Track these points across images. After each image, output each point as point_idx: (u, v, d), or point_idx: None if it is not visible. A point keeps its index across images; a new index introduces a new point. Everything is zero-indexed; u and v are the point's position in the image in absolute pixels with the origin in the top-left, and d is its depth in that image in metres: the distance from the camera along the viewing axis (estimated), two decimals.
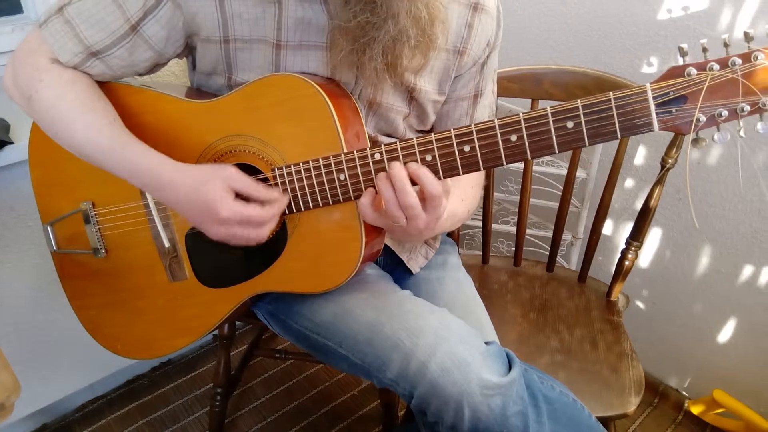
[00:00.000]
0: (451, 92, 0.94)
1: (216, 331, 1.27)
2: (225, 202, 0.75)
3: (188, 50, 0.88)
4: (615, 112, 0.66)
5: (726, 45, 0.62)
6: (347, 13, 0.74)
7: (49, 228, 0.97)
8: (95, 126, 0.80)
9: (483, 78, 0.95)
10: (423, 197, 0.73)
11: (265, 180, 0.83)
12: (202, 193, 0.76)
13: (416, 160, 0.74)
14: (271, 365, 1.69)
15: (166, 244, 0.90)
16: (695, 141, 0.65)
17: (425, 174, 0.72)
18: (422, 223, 0.74)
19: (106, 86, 0.87)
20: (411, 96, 0.89)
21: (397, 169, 0.72)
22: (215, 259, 0.89)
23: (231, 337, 1.34)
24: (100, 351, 0.99)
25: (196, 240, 0.89)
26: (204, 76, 0.89)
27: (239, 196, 0.77)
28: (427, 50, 0.79)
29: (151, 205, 0.89)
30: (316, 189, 0.79)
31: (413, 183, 0.72)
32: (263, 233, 0.79)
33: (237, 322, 1.60)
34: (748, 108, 0.62)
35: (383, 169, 0.75)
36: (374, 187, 0.76)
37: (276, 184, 0.81)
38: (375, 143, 0.91)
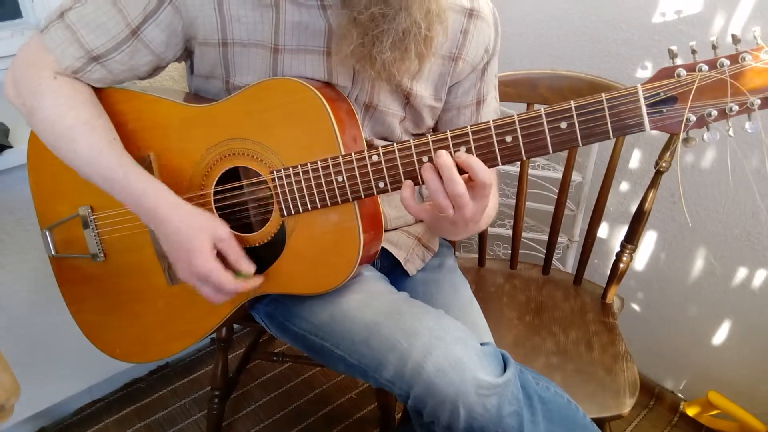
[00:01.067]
0: (453, 100, 0.95)
1: (214, 335, 1.28)
2: (205, 258, 0.79)
3: (187, 54, 0.89)
4: (607, 113, 0.67)
5: (714, 47, 0.63)
6: (359, 4, 0.74)
7: (47, 233, 0.97)
8: (97, 147, 0.82)
9: (484, 84, 0.96)
10: (470, 186, 0.72)
11: (263, 183, 0.84)
12: (188, 243, 0.79)
13: (413, 162, 0.75)
14: (268, 368, 1.70)
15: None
16: (685, 140, 0.66)
17: (476, 162, 0.71)
18: (469, 212, 0.73)
19: (105, 91, 0.88)
20: (407, 100, 0.90)
21: (445, 157, 0.71)
22: None
23: (229, 340, 1.34)
24: (98, 354, 1.00)
25: None
26: (202, 80, 0.90)
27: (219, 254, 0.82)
28: (428, 50, 0.79)
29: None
30: (314, 191, 0.80)
31: (460, 172, 0.72)
32: (222, 300, 0.84)
33: (235, 326, 1.60)
34: (736, 108, 0.63)
35: (381, 170, 0.76)
36: (401, 175, 0.76)
37: (275, 187, 0.82)
38: (371, 147, 0.92)
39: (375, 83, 0.83)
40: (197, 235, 0.79)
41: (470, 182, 0.72)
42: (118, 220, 0.92)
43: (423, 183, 0.74)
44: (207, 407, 1.40)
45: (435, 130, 1.01)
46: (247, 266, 0.83)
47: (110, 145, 0.82)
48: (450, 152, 0.72)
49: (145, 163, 0.87)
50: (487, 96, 0.97)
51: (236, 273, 0.82)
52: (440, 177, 0.72)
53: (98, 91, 0.87)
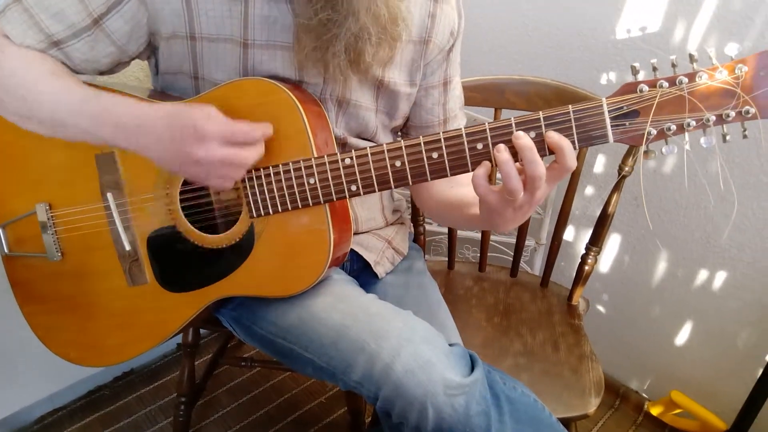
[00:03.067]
0: (421, 81, 0.96)
1: (180, 339, 1.26)
2: (208, 118, 0.73)
3: (150, 50, 0.88)
4: (573, 124, 0.69)
5: (674, 65, 0.67)
6: (309, 11, 0.76)
7: (0, 230, 0.94)
8: (64, 87, 0.78)
9: (449, 65, 0.98)
10: (549, 168, 0.70)
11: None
12: (184, 116, 0.73)
13: (386, 166, 0.75)
14: (236, 374, 1.68)
15: (127, 247, 0.89)
16: (646, 153, 0.70)
17: (567, 144, 0.69)
18: (540, 193, 0.71)
19: None
20: (379, 90, 0.91)
21: (525, 139, 0.69)
22: (178, 263, 0.89)
23: (195, 345, 1.33)
24: (60, 361, 0.97)
25: (159, 243, 0.89)
26: (170, 77, 0.89)
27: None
28: (392, 45, 0.81)
29: (112, 206, 0.87)
30: (285, 192, 0.80)
31: (517, 160, 0.70)
32: (248, 155, 0.75)
33: (202, 330, 1.58)
34: (693, 123, 0.67)
35: (353, 173, 0.76)
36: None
37: (244, 188, 0.81)
38: (344, 145, 0.92)
39: (342, 75, 0.83)
40: (193, 110, 0.74)
41: (552, 165, 0.70)
42: (78, 219, 0.90)
43: (496, 165, 0.71)
44: (173, 414, 1.37)
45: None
46: (247, 127, 0.75)
47: (78, 83, 0.79)
48: (525, 133, 0.70)
49: (109, 159, 0.85)
50: (453, 78, 0.99)
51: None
52: (514, 160, 0.70)
53: None
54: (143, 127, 0.76)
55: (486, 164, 0.72)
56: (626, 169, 1.13)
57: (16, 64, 0.78)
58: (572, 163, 0.70)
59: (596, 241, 1.21)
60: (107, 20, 0.80)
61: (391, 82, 0.91)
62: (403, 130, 1.03)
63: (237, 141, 0.74)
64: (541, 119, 0.69)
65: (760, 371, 1.28)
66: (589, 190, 1.53)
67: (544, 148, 0.70)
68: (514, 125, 0.70)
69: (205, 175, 0.76)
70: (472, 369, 0.78)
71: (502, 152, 0.70)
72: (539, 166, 0.69)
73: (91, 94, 0.78)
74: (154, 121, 0.75)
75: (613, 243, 1.52)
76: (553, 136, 0.69)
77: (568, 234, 1.61)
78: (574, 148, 0.70)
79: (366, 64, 0.81)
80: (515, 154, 0.70)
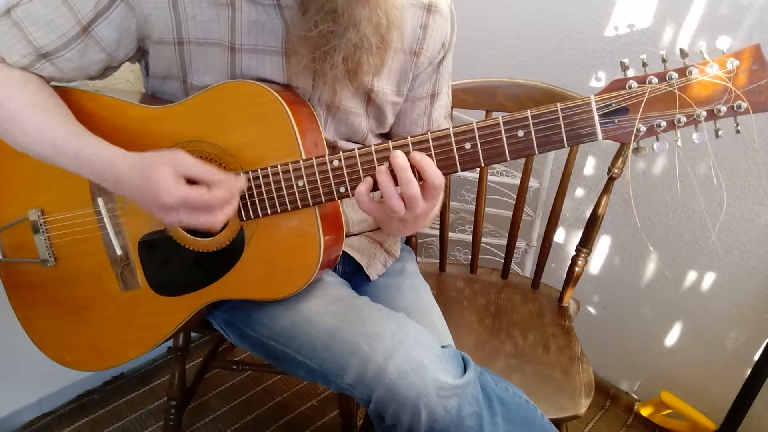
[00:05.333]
0: (408, 92, 0.97)
1: (170, 343, 1.25)
2: (167, 186, 0.72)
3: (141, 54, 0.88)
4: (562, 122, 0.69)
5: (664, 60, 0.66)
6: (308, 23, 0.75)
7: None
8: (49, 123, 0.79)
9: (439, 78, 0.98)
10: (422, 186, 0.73)
11: None
12: (148, 182, 0.74)
13: (374, 167, 0.75)
14: (228, 377, 1.67)
15: (118, 251, 0.88)
16: (636, 150, 0.69)
17: (429, 163, 0.72)
18: (420, 211, 0.74)
19: (58, 91, 0.85)
20: (369, 98, 0.91)
21: (401, 158, 0.72)
22: (170, 267, 0.88)
23: (186, 348, 1.32)
24: (49, 365, 0.96)
25: (150, 247, 0.88)
26: (158, 81, 0.88)
27: (191, 182, 0.75)
28: (385, 54, 0.81)
29: (103, 212, 0.87)
30: (275, 195, 0.79)
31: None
32: (216, 220, 0.76)
33: (193, 334, 1.57)
34: (684, 119, 0.66)
35: (342, 175, 0.76)
36: (361, 180, 0.77)
37: None
38: (334, 148, 0.92)
39: (336, 84, 0.83)
40: (155, 169, 0.73)
41: (422, 182, 0.73)
42: (69, 224, 0.90)
43: (377, 185, 0.75)
44: (164, 418, 1.36)
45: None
46: (216, 176, 0.76)
47: (63, 120, 0.80)
48: (403, 153, 0.73)
49: None
50: (441, 90, 0.99)
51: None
52: (394, 180, 0.73)
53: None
54: (120, 183, 0.78)
55: (367, 180, 0.75)
56: (616, 171, 1.14)
57: (1, 94, 0.79)
58: (435, 181, 0.72)
59: (586, 243, 1.22)
60: (96, 27, 0.80)
61: (380, 91, 0.91)
62: (387, 135, 1.03)
63: (198, 209, 0.75)
64: (529, 118, 0.70)
65: (749, 371, 1.29)
66: (579, 192, 1.54)
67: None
68: (501, 124, 0.70)
69: (183, 225, 0.80)
70: (465, 370, 0.78)
71: (382, 174, 0.74)
72: (413, 186, 0.72)
73: (71, 138, 0.79)
74: (127, 180, 0.77)
75: (603, 244, 1.53)
76: (415, 156, 0.72)
77: (559, 236, 1.62)
78: (564, 146, 0.70)
79: (363, 73, 0.81)
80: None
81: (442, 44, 0.94)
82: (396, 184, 0.73)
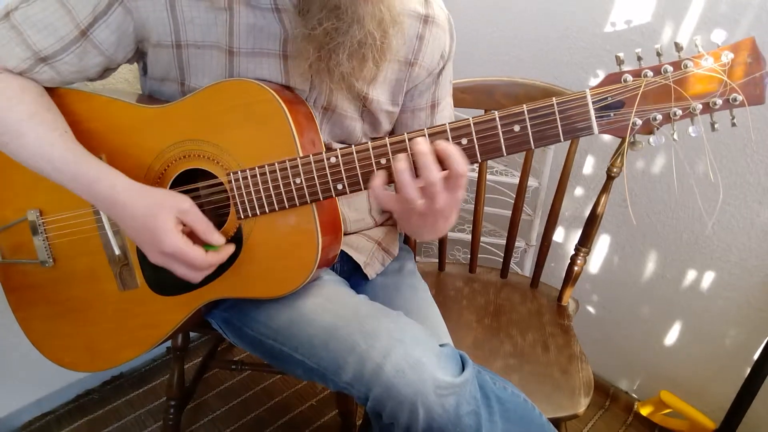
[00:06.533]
0: (408, 102, 0.96)
1: (169, 343, 1.25)
2: (170, 236, 0.76)
3: (139, 55, 0.88)
4: (558, 116, 0.69)
5: (659, 54, 0.66)
6: (311, 21, 0.75)
7: None
8: (47, 139, 0.79)
9: (438, 88, 0.97)
10: (444, 176, 0.71)
11: (219, 185, 0.83)
12: (150, 222, 0.76)
13: (371, 164, 0.75)
14: (227, 377, 1.67)
15: (117, 251, 0.88)
16: (632, 144, 0.68)
17: (454, 150, 0.70)
18: (441, 202, 0.72)
19: (56, 92, 0.85)
20: (363, 105, 0.91)
21: (423, 144, 0.70)
22: None
23: (184, 348, 1.32)
24: (48, 365, 0.96)
25: None
26: (156, 82, 0.88)
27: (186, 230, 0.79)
28: (386, 56, 0.80)
29: (101, 211, 0.87)
30: (272, 193, 0.79)
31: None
32: (198, 277, 0.81)
33: (192, 334, 1.57)
34: (680, 112, 0.66)
35: (339, 172, 0.76)
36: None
37: (231, 189, 0.81)
38: (330, 150, 0.92)
39: (333, 87, 0.84)
40: (159, 212, 0.76)
41: (444, 172, 0.71)
42: (68, 224, 0.90)
43: (393, 174, 0.72)
44: (163, 418, 1.36)
45: (391, 133, 1.02)
46: (217, 238, 0.80)
47: (61, 137, 0.80)
48: (426, 138, 0.71)
49: None
50: (442, 100, 0.99)
51: (206, 246, 0.80)
52: (410, 168, 0.71)
53: (50, 92, 0.85)
54: (118, 211, 0.79)
55: (381, 173, 0.74)
56: (615, 170, 1.13)
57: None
58: (459, 168, 0.70)
59: (585, 242, 1.22)
60: (94, 31, 0.80)
61: (374, 99, 0.90)
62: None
63: (188, 265, 0.78)
64: (525, 112, 0.69)
65: (748, 370, 1.28)
66: (578, 191, 1.53)
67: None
68: (498, 119, 0.70)
69: (168, 268, 0.81)
70: (463, 369, 0.78)
71: (400, 161, 0.72)
72: (432, 171, 0.70)
73: (70, 158, 0.79)
74: (129, 212, 0.78)
75: (602, 244, 1.53)
76: (440, 144, 0.70)
77: (558, 235, 1.62)
78: (560, 140, 0.70)
79: (368, 70, 0.80)
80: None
81: (441, 55, 0.93)
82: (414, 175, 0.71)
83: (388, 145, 0.74)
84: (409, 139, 0.73)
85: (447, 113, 1.02)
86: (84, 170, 0.79)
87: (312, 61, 0.78)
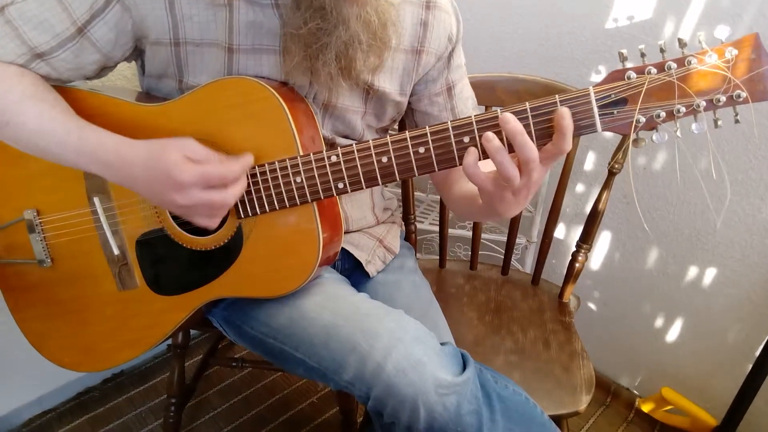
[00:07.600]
0: (423, 90, 0.96)
1: (170, 341, 1.25)
2: (182, 166, 0.72)
3: (137, 53, 0.87)
4: None
5: (662, 50, 0.65)
6: (298, 20, 0.75)
7: None
8: (47, 115, 0.78)
9: (450, 71, 0.97)
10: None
11: None
12: (160, 162, 0.73)
13: (372, 163, 0.75)
14: (227, 374, 1.67)
15: (116, 251, 0.88)
16: (635, 141, 0.67)
17: (570, 127, 0.66)
18: (537, 175, 0.69)
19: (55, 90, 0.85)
20: (368, 95, 0.90)
21: (514, 123, 0.66)
22: (168, 266, 0.88)
23: (185, 346, 1.31)
24: (49, 363, 0.96)
25: (148, 246, 0.88)
26: (154, 80, 0.88)
27: None
28: (381, 51, 0.80)
29: (99, 211, 0.87)
30: (273, 192, 0.79)
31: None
32: (229, 195, 0.75)
33: (192, 331, 1.57)
34: (683, 109, 0.65)
35: (340, 170, 0.76)
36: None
37: None
38: (332, 145, 0.92)
39: (330, 82, 0.83)
40: (165, 152, 0.73)
41: (548, 146, 0.69)
42: (66, 224, 0.89)
43: (486, 154, 0.69)
44: (164, 416, 1.36)
45: (406, 125, 1.02)
46: (226, 160, 0.76)
47: (63, 113, 0.79)
48: (512, 115, 0.68)
49: None
50: (458, 83, 0.98)
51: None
52: (503, 146, 0.68)
53: None
54: (126, 170, 0.76)
55: (473, 151, 0.70)
56: (616, 166, 1.13)
57: None
58: (567, 146, 0.67)
59: (587, 239, 1.21)
60: (91, 28, 0.79)
61: (380, 88, 0.90)
62: (384, 129, 1.01)
63: (214, 185, 0.74)
64: (528, 110, 0.69)
65: (750, 367, 1.28)
66: (579, 188, 1.53)
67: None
68: (499, 117, 0.69)
69: (190, 216, 0.77)
70: (464, 368, 0.78)
71: (492, 140, 0.68)
72: (532, 149, 0.66)
73: (73, 128, 0.77)
74: (135, 164, 0.75)
75: (603, 240, 1.53)
76: (565, 114, 0.66)
77: (559, 231, 1.61)
78: None
79: (357, 71, 0.80)
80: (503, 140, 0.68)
81: (448, 38, 0.93)
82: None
83: (390, 143, 0.73)
84: (411, 137, 0.72)
85: (467, 94, 1.00)
86: (89, 138, 0.77)
87: (298, 61, 0.78)
